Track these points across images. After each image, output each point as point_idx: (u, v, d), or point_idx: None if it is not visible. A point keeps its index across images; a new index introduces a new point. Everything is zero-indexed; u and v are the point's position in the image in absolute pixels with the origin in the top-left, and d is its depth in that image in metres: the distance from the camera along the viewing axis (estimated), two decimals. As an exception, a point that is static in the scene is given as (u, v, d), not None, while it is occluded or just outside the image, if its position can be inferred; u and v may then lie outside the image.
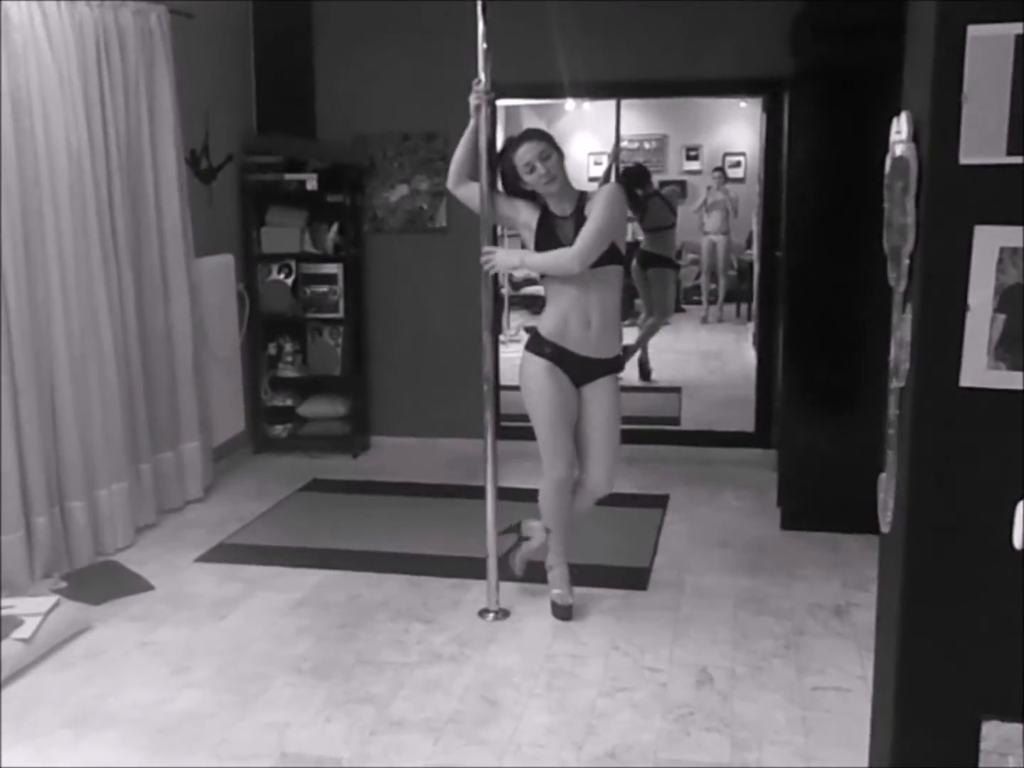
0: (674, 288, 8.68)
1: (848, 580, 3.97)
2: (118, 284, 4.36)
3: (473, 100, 3.45)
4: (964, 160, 1.76)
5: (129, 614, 3.75)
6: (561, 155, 3.49)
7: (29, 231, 3.93)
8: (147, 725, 2.99)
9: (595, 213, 3.38)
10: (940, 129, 1.76)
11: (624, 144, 9.42)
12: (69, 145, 4.03)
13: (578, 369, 3.50)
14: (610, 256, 3.42)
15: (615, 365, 3.59)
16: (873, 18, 3.77)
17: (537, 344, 3.51)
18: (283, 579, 4.05)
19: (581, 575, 4.02)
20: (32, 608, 3.49)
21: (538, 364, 3.50)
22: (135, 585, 3.99)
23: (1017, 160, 1.73)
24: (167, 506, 4.82)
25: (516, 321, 10.20)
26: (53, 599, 3.61)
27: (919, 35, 1.90)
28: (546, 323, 3.51)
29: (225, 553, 4.35)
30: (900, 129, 1.91)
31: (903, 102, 2.01)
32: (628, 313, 9.24)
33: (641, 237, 8.19)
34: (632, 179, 8.40)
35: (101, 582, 4.01)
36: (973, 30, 1.71)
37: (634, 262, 7.93)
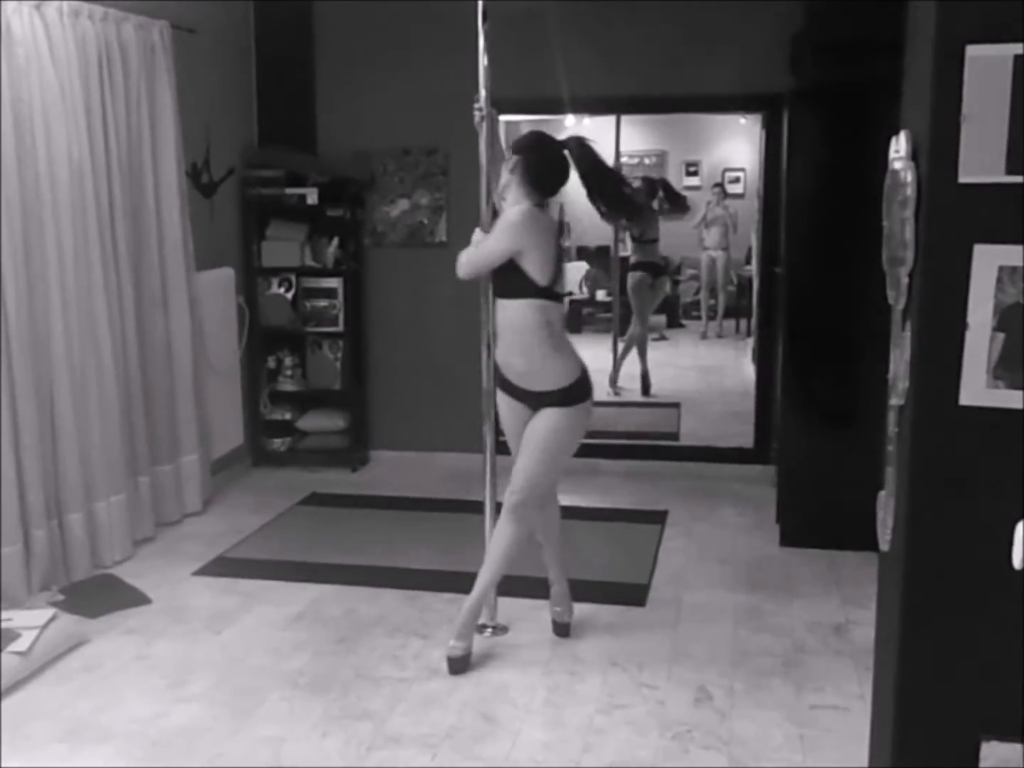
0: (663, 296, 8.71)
1: (847, 597, 3.96)
2: (118, 296, 4.37)
3: (476, 117, 3.47)
4: (963, 179, 1.76)
5: (126, 627, 3.74)
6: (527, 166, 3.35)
7: (30, 244, 3.94)
8: (142, 739, 2.98)
9: (497, 226, 3.33)
10: (939, 148, 1.77)
11: (624, 160, 9.45)
12: (71, 158, 4.04)
13: (523, 398, 3.37)
14: (522, 289, 3.24)
15: (558, 398, 3.28)
16: (872, 36, 3.78)
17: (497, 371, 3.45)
18: (280, 593, 4.04)
19: (579, 591, 4.01)
20: (29, 621, 3.48)
21: (498, 391, 3.47)
22: (132, 598, 3.98)
23: (1016, 179, 1.73)
24: (165, 519, 4.81)
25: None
26: (50, 612, 3.60)
27: (918, 54, 1.91)
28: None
29: (223, 567, 4.34)
30: (899, 147, 1.92)
31: (902, 121, 2.02)
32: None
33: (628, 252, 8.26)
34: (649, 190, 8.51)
35: (98, 595, 4.00)
36: (972, 50, 1.72)
37: (637, 275, 7.97)
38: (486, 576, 3.44)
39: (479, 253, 3.35)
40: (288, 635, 3.68)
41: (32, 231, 3.94)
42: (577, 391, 3.31)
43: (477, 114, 3.49)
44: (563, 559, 3.70)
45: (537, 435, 3.32)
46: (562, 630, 3.65)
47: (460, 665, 3.38)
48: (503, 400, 3.45)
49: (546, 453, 3.34)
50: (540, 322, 3.26)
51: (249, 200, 5.64)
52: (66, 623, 3.60)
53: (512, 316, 3.30)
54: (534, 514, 3.45)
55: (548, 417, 3.30)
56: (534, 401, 3.34)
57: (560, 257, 3.34)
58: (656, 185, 9.02)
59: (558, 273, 3.29)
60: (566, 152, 3.37)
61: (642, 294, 7.98)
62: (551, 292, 3.28)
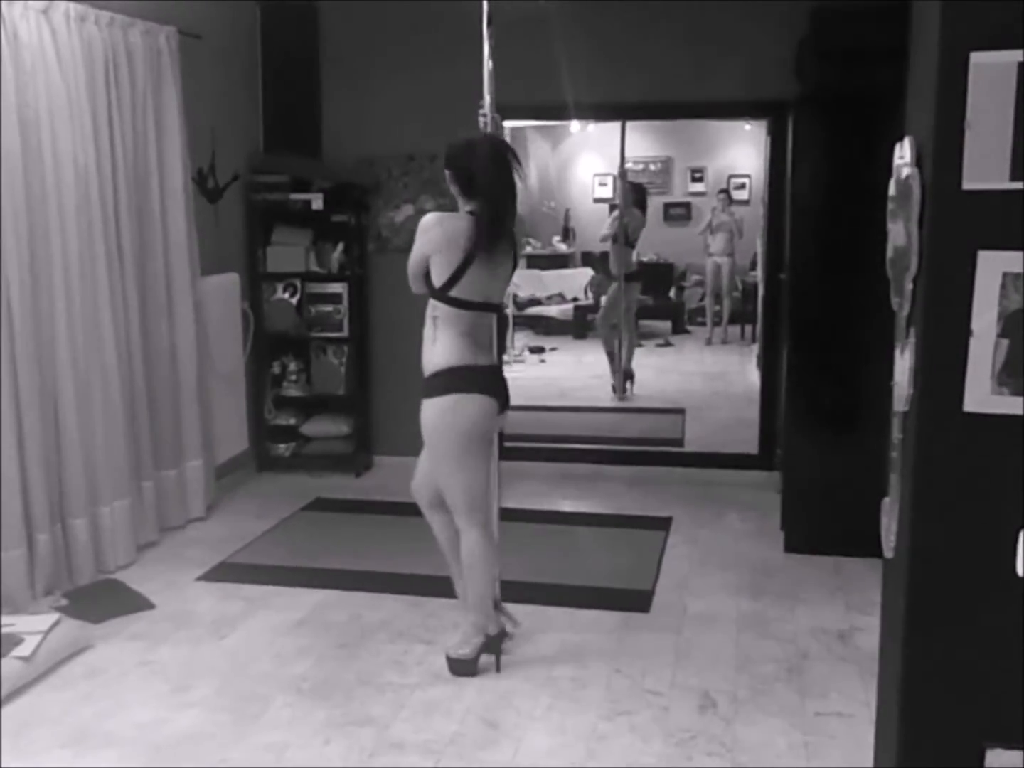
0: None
1: (852, 604, 3.95)
2: (123, 301, 4.37)
3: (480, 122, 3.47)
4: (967, 185, 1.76)
5: (130, 633, 3.74)
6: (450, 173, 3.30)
7: (35, 248, 3.94)
8: (146, 745, 2.98)
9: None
10: (943, 154, 1.77)
11: (629, 165, 9.47)
12: (76, 163, 4.05)
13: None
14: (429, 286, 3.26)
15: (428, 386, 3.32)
16: (877, 43, 3.78)
17: None
18: (284, 598, 4.04)
19: (583, 597, 4.01)
20: (32, 626, 3.48)
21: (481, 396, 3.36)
22: (136, 604, 3.98)
23: (1020, 186, 1.73)
24: (169, 524, 4.81)
25: (520, 341, 10.23)
26: (54, 617, 3.60)
27: (922, 61, 1.91)
28: None
29: (226, 572, 4.34)
30: (903, 154, 1.92)
31: (906, 127, 2.02)
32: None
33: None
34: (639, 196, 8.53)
35: (102, 600, 4.00)
36: (976, 57, 1.72)
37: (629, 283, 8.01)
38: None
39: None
40: (291, 641, 3.67)
41: (37, 236, 3.95)
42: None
43: (482, 120, 3.49)
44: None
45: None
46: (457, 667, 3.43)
47: (466, 668, 3.38)
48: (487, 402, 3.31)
49: (434, 445, 3.36)
50: (440, 320, 3.26)
51: (254, 205, 5.65)
52: (69, 628, 3.60)
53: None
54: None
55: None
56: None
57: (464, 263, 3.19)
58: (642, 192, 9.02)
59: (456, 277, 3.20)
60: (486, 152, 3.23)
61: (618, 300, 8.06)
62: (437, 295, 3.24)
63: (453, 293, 3.21)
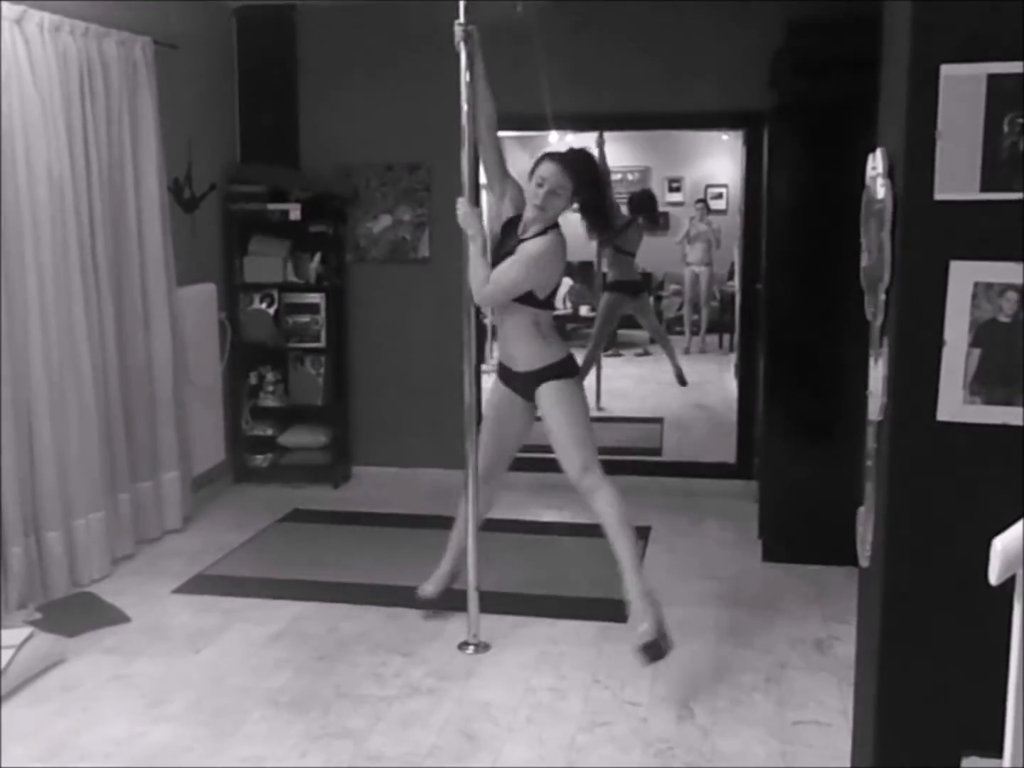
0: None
1: (829, 613, 3.96)
2: (98, 312, 4.34)
3: (457, 35, 3.46)
4: (939, 196, 1.78)
5: (104, 646, 3.70)
6: (571, 202, 3.51)
7: (9, 258, 3.91)
8: (121, 760, 2.95)
9: (521, 258, 3.47)
10: (915, 166, 1.78)
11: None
12: (51, 173, 4.03)
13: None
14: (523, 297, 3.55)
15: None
16: (851, 54, 3.80)
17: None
18: (261, 611, 4.01)
19: (562, 607, 4.00)
20: (5, 640, 3.43)
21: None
22: (111, 617, 3.94)
23: (991, 196, 1.74)
24: (145, 536, 4.77)
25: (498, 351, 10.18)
26: (27, 631, 3.55)
27: (893, 73, 1.92)
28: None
29: (203, 584, 4.31)
30: (876, 165, 1.93)
31: (879, 138, 2.04)
32: (611, 344, 9.30)
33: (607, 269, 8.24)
34: (644, 205, 8.44)
35: (76, 614, 3.96)
36: (946, 69, 1.74)
37: (612, 294, 7.94)
38: (627, 547, 3.47)
39: (513, 277, 3.50)
40: (269, 653, 3.65)
41: (11, 246, 3.91)
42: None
43: (459, 31, 3.45)
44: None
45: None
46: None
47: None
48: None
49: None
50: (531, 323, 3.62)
51: (231, 215, 5.63)
52: (43, 642, 3.56)
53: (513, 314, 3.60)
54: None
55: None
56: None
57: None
58: (646, 198, 8.89)
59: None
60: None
61: (613, 314, 8.02)
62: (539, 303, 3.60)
63: (553, 301, 3.63)
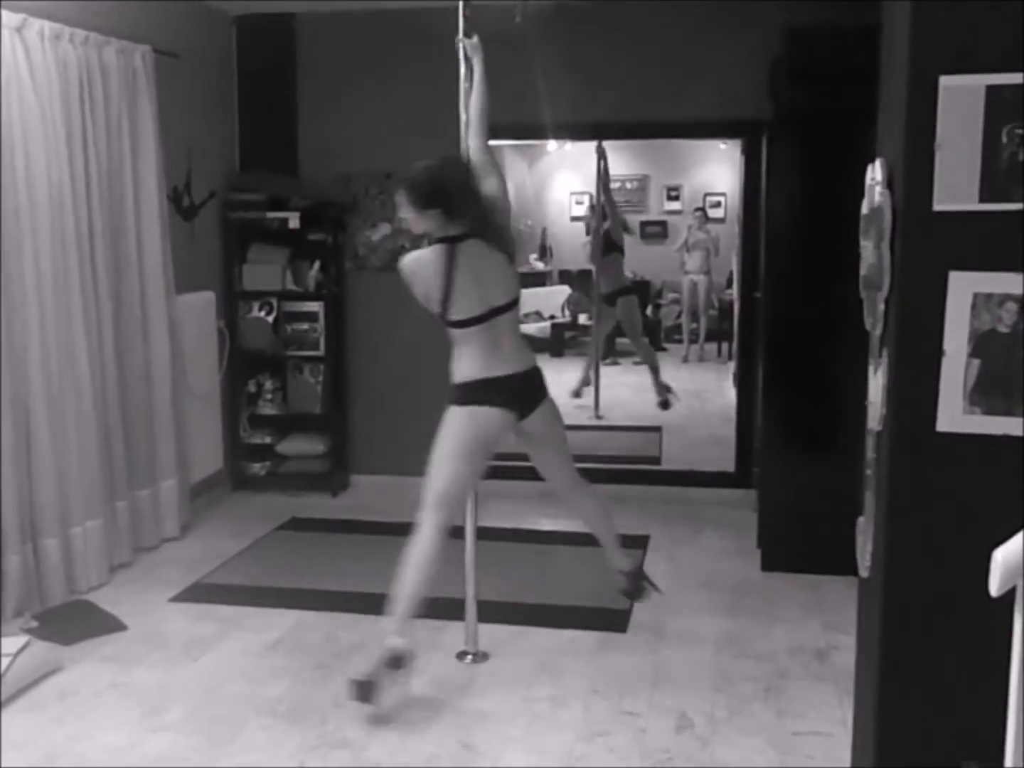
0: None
1: (829, 622, 3.96)
2: (97, 320, 4.34)
3: (460, 51, 3.50)
4: (938, 207, 1.78)
5: (101, 655, 3.69)
6: (429, 216, 3.30)
7: (8, 266, 3.91)
8: (117, 769, 2.94)
9: None
10: (914, 176, 1.79)
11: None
12: (50, 181, 4.03)
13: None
14: None
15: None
16: (850, 65, 3.81)
17: None
18: (259, 619, 4.01)
19: (560, 617, 4.00)
20: (2, 648, 3.42)
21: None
22: (108, 625, 3.93)
23: (990, 207, 1.75)
24: (143, 544, 4.76)
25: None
26: (24, 639, 3.54)
27: (893, 84, 1.93)
28: None
29: (201, 592, 4.30)
30: (875, 175, 1.93)
31: (878, 149, 2.04)
32: (610, 351, 9.31)
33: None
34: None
35: (73, 622, 3.95)
36: (945, 80, 1.74)
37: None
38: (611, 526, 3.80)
39: None
40: (266, 662, 3.64)
41: (11, 254, 3.92)
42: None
43: (462, 47, 3.49)
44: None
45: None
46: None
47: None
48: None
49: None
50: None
51: (230, 224, 5.63)
52: (40, 650, 3.55)
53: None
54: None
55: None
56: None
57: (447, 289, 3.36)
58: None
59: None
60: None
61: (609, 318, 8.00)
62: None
63: (453, 317, 3.37)
